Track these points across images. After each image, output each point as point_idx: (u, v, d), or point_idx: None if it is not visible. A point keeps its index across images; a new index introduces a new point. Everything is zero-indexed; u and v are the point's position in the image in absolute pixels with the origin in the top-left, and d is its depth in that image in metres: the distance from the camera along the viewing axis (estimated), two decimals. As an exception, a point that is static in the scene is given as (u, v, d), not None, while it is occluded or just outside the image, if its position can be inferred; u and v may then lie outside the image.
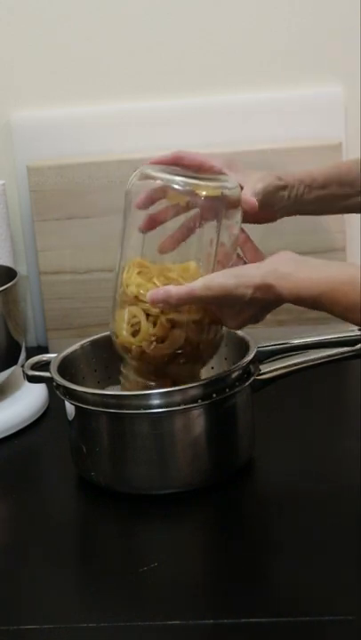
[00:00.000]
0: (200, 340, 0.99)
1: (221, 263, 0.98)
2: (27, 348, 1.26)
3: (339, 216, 1.28)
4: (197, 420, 1.00)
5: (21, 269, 1.34)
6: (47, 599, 0.87)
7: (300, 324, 1.33)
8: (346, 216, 1.29)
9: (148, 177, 0.99)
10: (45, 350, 1.37)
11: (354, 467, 1.02)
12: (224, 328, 1.00)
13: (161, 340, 0.97)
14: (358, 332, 1.04)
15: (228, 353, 1.09)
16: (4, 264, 1.29)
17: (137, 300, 0.97)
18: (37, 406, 1.19)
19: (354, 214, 1.29)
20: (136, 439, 0.99)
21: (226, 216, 0.97)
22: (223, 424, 1.01)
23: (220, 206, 0.97)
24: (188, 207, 1.00)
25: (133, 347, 0.98)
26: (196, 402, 0.98)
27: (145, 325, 0.97)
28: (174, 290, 0.94)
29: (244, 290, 0.91)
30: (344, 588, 0.84)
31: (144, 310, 0.97)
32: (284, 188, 1.04)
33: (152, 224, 1.01)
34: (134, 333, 0.98)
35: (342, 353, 1.05)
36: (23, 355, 1.23)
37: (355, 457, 1.03)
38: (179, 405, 0.98)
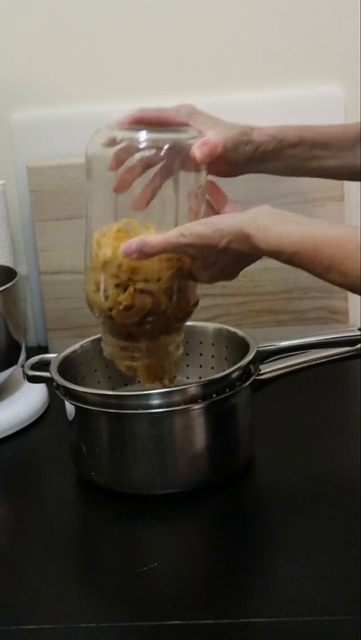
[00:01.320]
0: (167, 307, 0.98)
1: (193, 212, 0.98)
2: (27, 348, 1.26)
3: (339, 205, 1.28)
4: (197, 420, 1.00)
5: (21, 269, 1.34)
6: (47, 599, 0.87)
7: (300, 324, 1.33)
8: (346, 206, 1.29)
9: (109, 140, 0.99)
10: (45, 350, 1.37)
11: (354, 466, 1.02)
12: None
13: (128, 307, 0.97)
14: (358, 332, 1.04)
15: (228, 353, 1.09)
16: (4, 264, 1.29)
17: (106, 265, 0.97)
18: (37, 406, 1.19)
19: (354, 211, 1.30)
20: (136, 439, 0.99)
21: (185, 167, 0.97)
22: (223, 424, 1.01)
23: (176, 157, 0.97)
24: (152, 162, 0.99)
25: (103, 309, 0.99)
26: (196, 402, 0.98)
27: (113, 293, 0.97)
28: (149, 238, 0.93)
29: (220, 238, 0.90)
30: (344, 588, 0.84)
31: (114, 276, 0.97)
32: (248, 142, 1.02)
33: (124, 184, 1.00)
34: (104, 298, 0.98)
35: (342, 353, 1.05)
36: (23, 355, 1.23)
37: (355, 457, 1.03)
38: (179, 405, 0.98)
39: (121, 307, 0.97)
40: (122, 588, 0.88)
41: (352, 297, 1.33)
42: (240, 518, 0.98)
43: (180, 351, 1.03)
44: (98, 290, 0.99)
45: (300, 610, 0.82)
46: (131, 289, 0.96)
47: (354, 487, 0.98)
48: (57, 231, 1.34)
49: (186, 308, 1.00)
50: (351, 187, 1.30)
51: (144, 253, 0.94)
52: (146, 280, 0.96)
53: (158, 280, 0.97)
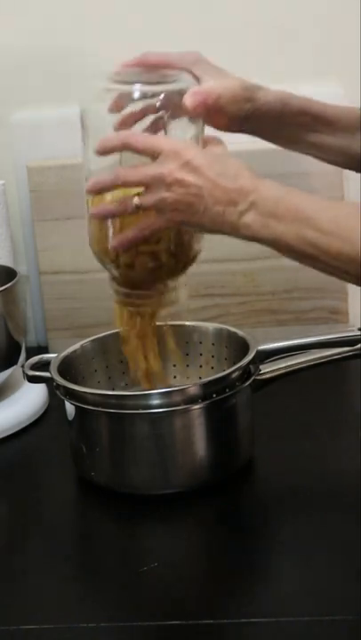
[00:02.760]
0: (168, 263, 0.98)
1: None
2: (27, 348, 1.26)
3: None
4: (197, 420, 1.00)
5: (21, 269, 1.34)
6: (47, 599, 0.87)
7: (300, 324, 1.33)
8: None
9: (101, 91, 0.99)
10: (45, 350, 1.37)
11: (354, 466, 1.02)
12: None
13: (129, 265, 0.97)
14: (358, 332, 1.04)
15: (228, 353, 1.09)
16: (4, 264, 1.29)
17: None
18: (37, 406, 1.19)
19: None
20: (136, 439, 0.99)
21: (180, 115, 0.96)
22: (223, 424, 1.01)
23: (170, 106, 0.96)
24: (147, 112, 0.98)
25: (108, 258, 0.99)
26: (197, 402, 0.98)
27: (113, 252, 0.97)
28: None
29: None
30: (344, 588, 0.84)
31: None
32: (249, 99, 1.00)
33: (123, 127, 0.99)
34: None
35: (342, 353, 1.05)
36: (23, 355, 1.23)
37: (355, 457, 1.03)
38: (179, 405, 0.98)
39: (122, 264, 0.97)
40: (122, 587, 0.88)
41: (352, 297, 1.33)
42: (240, 518, 0.98)
43: (183, 294, 1.03)
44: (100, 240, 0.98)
45: (300, 610, 0.82)
46: (132, 251, 0.96)
47: (354, 487, 0.98)
48: (57, 231, 1.34)
49: (187, 261, 1.00)
50: (351, 187, 1.30)
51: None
52: (146, 242, 0.96)
53: (158, 242, 0.96)
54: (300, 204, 0.88)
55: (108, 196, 0.96)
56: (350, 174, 1.23)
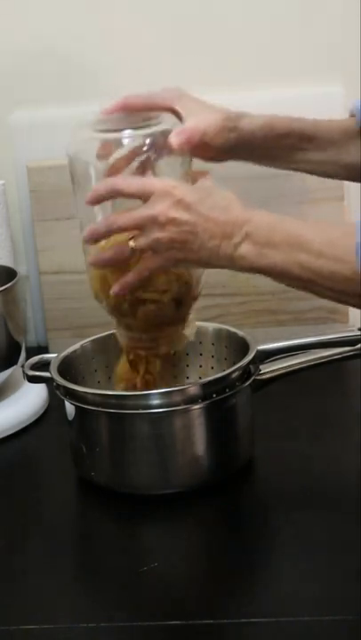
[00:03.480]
0: (172, 313, 0.99)
1: None
2: (27, 348, 1.26)
3: (339, 205, 1.28)
4: (197, 420, 1.00)
5: (21, 269, 1.34)
6: (47, 599, 0.87)
7: (300, 324, 1.33)
8: (346, 206, 1.29)
9: (87, 140, 0.99)
10: (45, 350, 1.37)
11: (354, 466, 1.02)
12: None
13: (132, 312, 0.98)
14: (358, 332, 1.04)
15: (228, 353, 1.09)
16: (4, 264, 1.29)
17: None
18: (37, 406, 1.20)
19: (354, 211, 1.30)
20: (136, 439, 0.99)
21: (168, 154, 0.97)
22: (223, 424, 1.01)
23: (156, 148, 0.96)
24: (134, 156, 0.98)
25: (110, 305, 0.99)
26: (197, 402, 0.98)
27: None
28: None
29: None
30: (344, 588, 0.84)
31: None
32: (232, 129, 1.01)
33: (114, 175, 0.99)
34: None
35: (342, 353, 1.05)
36: (23, 355, 1.23)
37: (355, 457, 1.03)
38: (179, 405, 0.98)
39: (126, 312, 0.98)
40: (122, 587, 0.88)
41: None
42: (240, 518, 0.98)
43: (191, 331, 1.04)
44: (103, 287, 0.99)
45: (300, 610, 0.82)
46: (135, 299, 0.97)
47: (353, 487, 0.98)
48: (57, 231, 1.33)
49: (190, 304, 1.01)
50: (351, 187, 1.30)
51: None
52: (152, 291, 0.97)
53: (165, 292, 0.97)
54: (294, 229, 0.89)
55: (102, 242, 0.96)
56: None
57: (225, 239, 0.89)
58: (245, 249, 0.89)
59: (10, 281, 1.18)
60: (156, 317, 0.98)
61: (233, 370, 1.01)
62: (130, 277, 0.94)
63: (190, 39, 1.33)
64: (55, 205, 1.33)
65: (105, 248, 0.96)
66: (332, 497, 0.98)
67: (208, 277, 1.29)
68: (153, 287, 0.97)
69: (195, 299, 1.01)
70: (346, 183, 1.29)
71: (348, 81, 1.31)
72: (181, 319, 1.02)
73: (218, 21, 1.32)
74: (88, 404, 1.00)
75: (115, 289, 0.96)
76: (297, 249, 0.87)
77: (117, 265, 0.95)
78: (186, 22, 1.32)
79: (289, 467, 1.04)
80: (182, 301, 0.99)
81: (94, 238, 0.95)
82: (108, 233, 0.94)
